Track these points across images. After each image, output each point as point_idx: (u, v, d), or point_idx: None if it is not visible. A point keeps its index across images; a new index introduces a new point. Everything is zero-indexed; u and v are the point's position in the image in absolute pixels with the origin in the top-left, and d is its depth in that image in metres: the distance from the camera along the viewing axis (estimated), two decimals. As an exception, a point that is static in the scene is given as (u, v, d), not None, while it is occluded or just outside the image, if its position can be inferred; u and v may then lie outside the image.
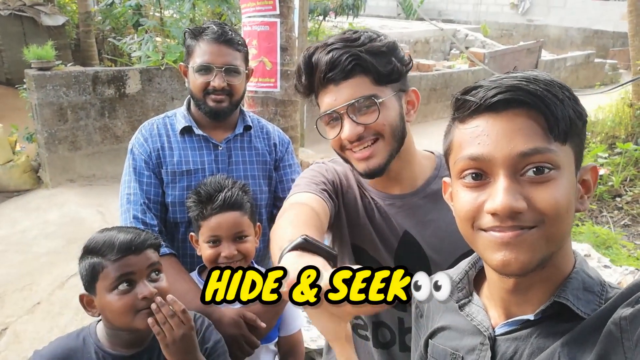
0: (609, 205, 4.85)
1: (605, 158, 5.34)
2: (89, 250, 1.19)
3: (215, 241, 1.46)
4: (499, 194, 0.68)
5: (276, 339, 1.63)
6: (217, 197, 1.45)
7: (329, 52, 1.09)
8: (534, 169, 0.68)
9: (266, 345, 1.59)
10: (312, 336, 2.65)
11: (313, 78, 1.13)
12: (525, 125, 0.68)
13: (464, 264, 0.91)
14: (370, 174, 1.14)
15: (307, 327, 2.73)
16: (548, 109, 0.68)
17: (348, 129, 1.09)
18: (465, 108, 0.74)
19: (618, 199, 4.90)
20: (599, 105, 6.71)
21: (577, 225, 4.27)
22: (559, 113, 0.68)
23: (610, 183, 5.02)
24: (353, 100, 1.08)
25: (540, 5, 16.50)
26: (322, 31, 9.18)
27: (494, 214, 0.68)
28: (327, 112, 1.11)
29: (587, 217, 4.60)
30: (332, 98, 1.10)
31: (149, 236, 1.23)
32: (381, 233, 1.22)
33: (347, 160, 1.19)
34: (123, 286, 1.16)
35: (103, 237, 1.19)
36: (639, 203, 4.78)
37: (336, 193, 1.24)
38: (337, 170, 1.29)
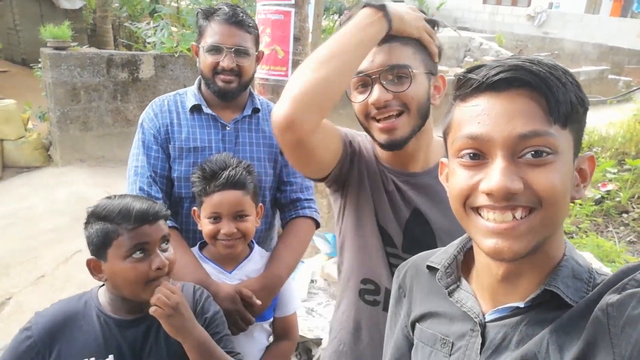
0: (615, 220, 4.82)
1: (614, 174, 5.31)
2: (102, 217, 1.19)
3: (215, 218, 1.48)
4: (495, 175, 0.67)
5: (271, 319, 1.64)
6: (220, 174, 1.47)
7: None
8: (533, 152, 0.67)
9: (260, 323, 1.60)
10: (309, 326, 2.67)
11: None
12: (526, 106, 0.67)
13: (451, 249, 0.90)
14: (391, 145, 1.15)
15: (304, 317, 2.74)
16: (550, 90, 0.67)
17: (377, 94, 1.10)
18: (466, 86, 0.73)
19: (625, 215, 4.86)
20: (610, 121, 6.68)
21: (581, 237, 4.26)
22: (560, 96, 0.67)
23: (617, 199, 4.99)
24: (388, 65, 1.09)
25: (557, 18, 16.45)
26: (336, 29, 9.21)
27: (488, 194, 0.68)
28: (360, 74, 1.12)
29: (592, 231, 4.58)
30: (369, 59, 1.10)
31: (161, 207, 1.25)
32: (395, 204, 1.24)
33: (368, 131, 1.20)
34: (137, 255, 1.17)
35: (117, 204, 1.19)
36: (646, 220, 4.75)
37: (352, 155, 1.26)
38: (360, 141, 1.31)
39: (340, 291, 1.44)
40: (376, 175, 1.27)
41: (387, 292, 1.29)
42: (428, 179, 1.23)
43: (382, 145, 1.17)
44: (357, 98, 1.16)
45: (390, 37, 1.09)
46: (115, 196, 1.26)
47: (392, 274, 1.24)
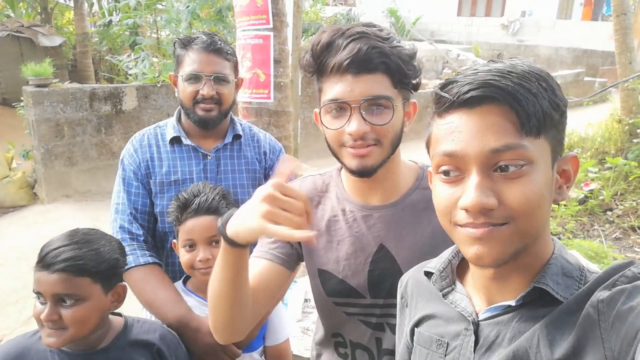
0: (600, 219, 4.89)
1: (596, 173, 5.41)
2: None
3: (191, 245, 1.46)
4: (470, 191, 0.69)
5: (261, 348, 1.61)
6: (193, 201, 1.46)
7: (356, 39, 1.03)
8: (505, 165, 0.68)
9: (249, 354, 1.56)
10: (306, 345, 2.66)
11: (328, 60, 1.06)
12: (496, 121, 0.68)
13: (446, 254, 0.92)
14: (361, 172, 1.10)
15: (300, 337, 2.74)
16: (519, 104, 0.67)
17: (356, 125, 1.04)
18: (441, 103, 0.74)
19: (609, 213, 4.94)
20: (589, 122, 6.81)
21: (569, 238, 4.31)
22: (530, 108, 0.68)
23: (601, 197, 5.07)
24: (371, 97, 1.03)
25: (530, 26, 16.81)
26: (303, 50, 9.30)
27: (466, 210, 0.70)
28: (338, 100, 1.05)
29: (579, 230, 4.65)
30: (347, 88, 1.03)
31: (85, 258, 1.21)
32: (357, 246, 1.19)
33: (337, 157, 1.14)
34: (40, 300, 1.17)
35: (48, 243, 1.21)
36: (629, 216, 4.83)
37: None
38: (308, 187, 1.27)
39: (316, 339, 1.40)
40: (336, 220, 1.22)
41: (352, 345, 1.27)
42: (395, 211, 1.18)
43: (352, 172, 1.11)
44: (332, 124, 1.08)
45: (375, 66, 1.03)
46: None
47: (363, 323, 1.23)
